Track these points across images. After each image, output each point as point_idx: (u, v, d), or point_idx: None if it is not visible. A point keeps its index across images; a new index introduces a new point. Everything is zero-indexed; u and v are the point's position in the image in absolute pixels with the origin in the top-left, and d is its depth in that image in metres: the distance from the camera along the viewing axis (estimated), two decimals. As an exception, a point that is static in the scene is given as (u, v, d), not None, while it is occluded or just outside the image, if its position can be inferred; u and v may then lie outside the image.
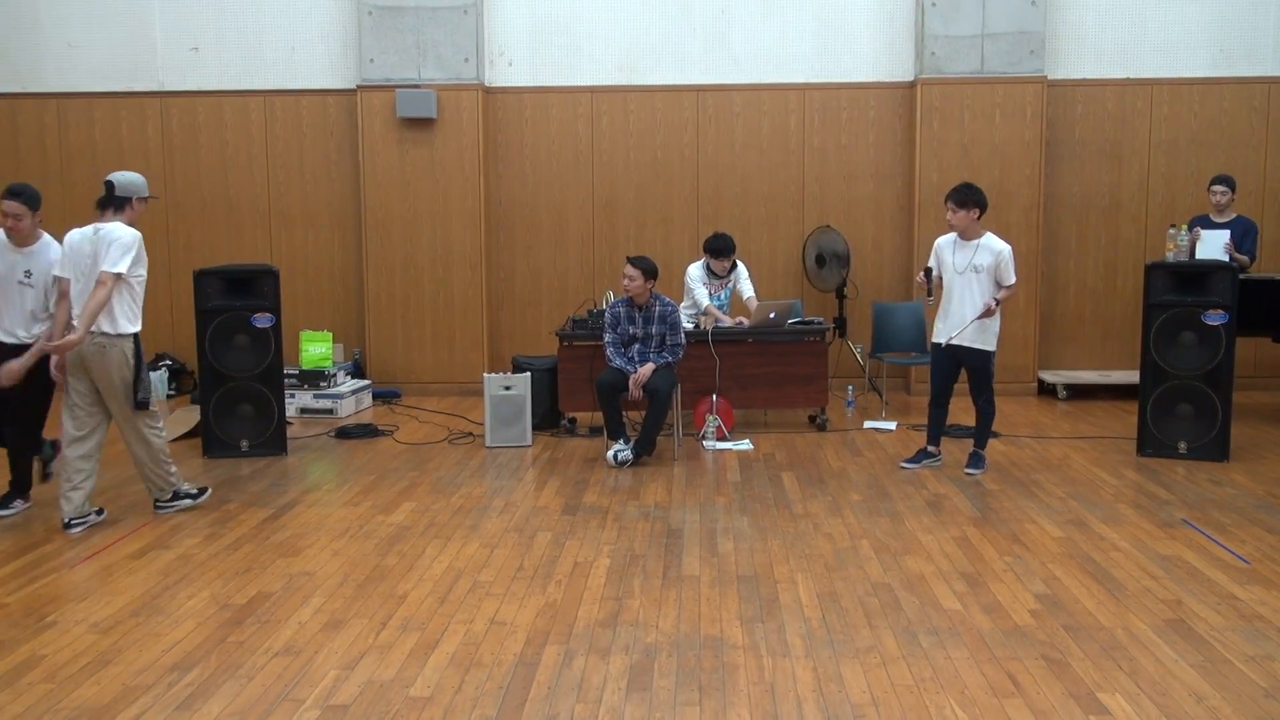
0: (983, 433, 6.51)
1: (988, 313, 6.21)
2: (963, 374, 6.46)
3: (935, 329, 6.48)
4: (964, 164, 8.91)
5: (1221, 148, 9.12)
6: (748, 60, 9.28)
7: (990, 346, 6.34)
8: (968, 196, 6.22)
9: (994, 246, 6.25)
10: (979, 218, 6.26)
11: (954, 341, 6.33)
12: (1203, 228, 7.85)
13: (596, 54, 9.31)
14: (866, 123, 9.28)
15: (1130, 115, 9.15)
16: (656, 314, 6.91)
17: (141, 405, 5.43)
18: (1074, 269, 9.27)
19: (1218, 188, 7.98)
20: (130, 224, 5.42)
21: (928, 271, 6.43)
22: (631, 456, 6.67)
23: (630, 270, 6.82)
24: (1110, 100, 9.15)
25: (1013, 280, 6.29)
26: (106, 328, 5.27)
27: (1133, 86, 9.12)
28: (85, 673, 3.69)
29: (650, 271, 6.85)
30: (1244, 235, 7.91)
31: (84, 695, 3.52)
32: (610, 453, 6.72)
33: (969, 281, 6.25)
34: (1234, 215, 8.02)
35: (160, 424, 5.62)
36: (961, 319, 6.28)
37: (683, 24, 9.28)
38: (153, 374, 9.20)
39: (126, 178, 5.53)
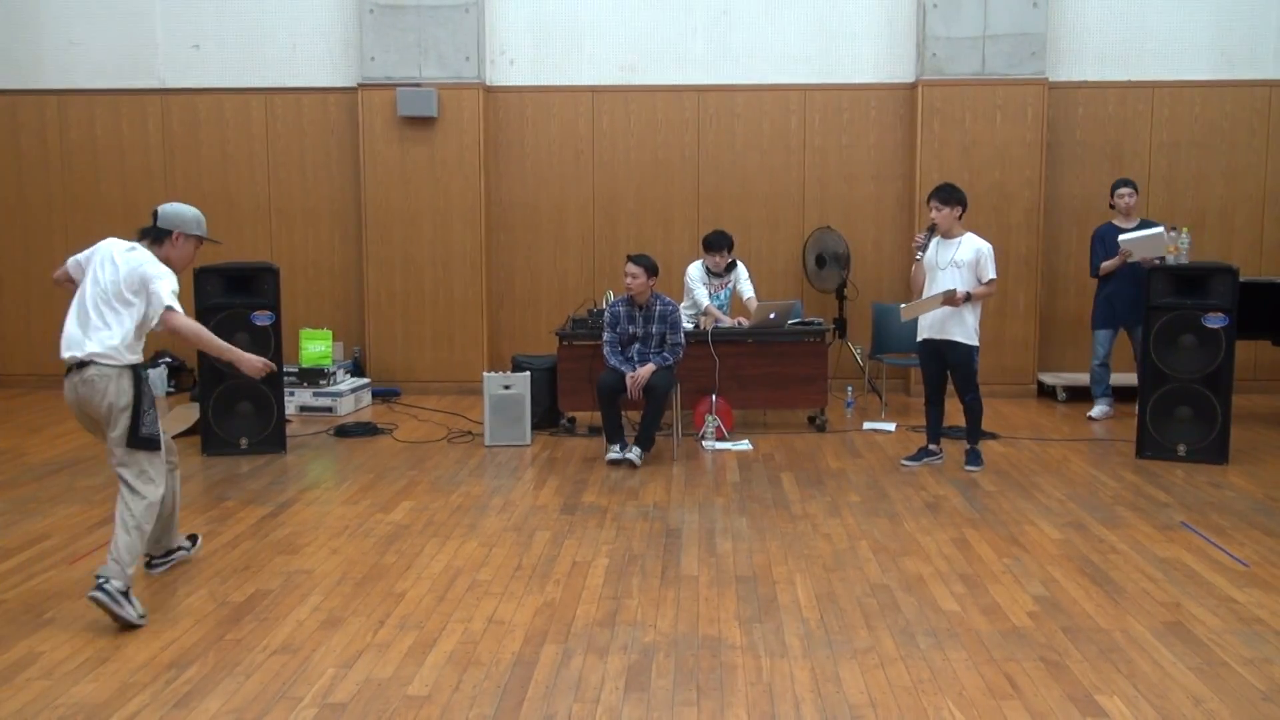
0: (974, 430, 6.59)
1: (950, 299, 6.28)
2: None
3: (919, 327, 6.59)
4: (965, 165, 8.90)
5: (1222, 150, 9.12)
6: (749, 61, 9.27)
7: (971, 341, 6.41)
8: (951, 195, 6.43)
9: (974, 243, 6.41)
10: (960, 216, 6.47)
11: (932, 337, 6.47)
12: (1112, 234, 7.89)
13: (598, 53, 9.31)
14: (867, 124, 9.27)
15: (1131, 118, 9.14)
16: (657, 313, 6.91)
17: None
18: (1074, 271, 9.24)
19: (1124, 190, 7.99)
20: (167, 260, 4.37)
21: (932, 228, 6.52)
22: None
23: (632, 268, 6.82)
24: (1111, 102, 9.14)
25: (992, 275, 6.40)
26: None
27: (1134, 89, 9.11)
28: (83, 669, 3.69)
29: (652, 269, 6.85)
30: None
31: (81, 692, 3.51)
32: (609, 456, 6.72)
33: (950, 277, 6.38)
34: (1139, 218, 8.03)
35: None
36: (942, 314, 6.40)
37: (684, 24, 9.27)
38: (151, 371, 9.23)
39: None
